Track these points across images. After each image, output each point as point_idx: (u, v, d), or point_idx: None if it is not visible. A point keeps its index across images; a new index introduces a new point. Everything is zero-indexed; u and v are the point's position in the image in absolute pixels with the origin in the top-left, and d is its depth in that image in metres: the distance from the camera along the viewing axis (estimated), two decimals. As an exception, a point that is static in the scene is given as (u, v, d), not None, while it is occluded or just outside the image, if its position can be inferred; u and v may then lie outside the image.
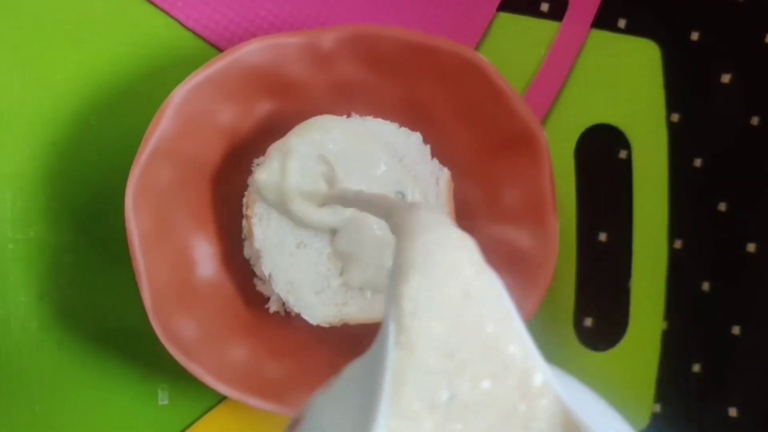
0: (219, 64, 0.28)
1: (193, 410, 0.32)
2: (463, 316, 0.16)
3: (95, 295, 0.31)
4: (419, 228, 0.17)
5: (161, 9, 0.31)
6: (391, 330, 0.16)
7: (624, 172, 0.37)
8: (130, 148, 0.28)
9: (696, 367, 0.37)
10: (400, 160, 0.30)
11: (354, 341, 0.30)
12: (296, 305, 0.29)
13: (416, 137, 0.31)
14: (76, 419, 0.30)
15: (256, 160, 0.30)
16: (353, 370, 0.17)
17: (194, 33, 0.32)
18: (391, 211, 0.19)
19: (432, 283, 0.16)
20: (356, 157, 0.28)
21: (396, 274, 0.16)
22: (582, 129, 0.36)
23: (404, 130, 0.30)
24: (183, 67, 0.31)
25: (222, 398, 0.32)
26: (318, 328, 0.30)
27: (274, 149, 0.28)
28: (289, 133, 0.28)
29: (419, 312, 0.16)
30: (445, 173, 0.30)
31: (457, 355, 0.16)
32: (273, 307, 0.30)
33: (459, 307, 0.16)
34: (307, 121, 0.29)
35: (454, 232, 0.17)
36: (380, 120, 0.30)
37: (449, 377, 0.15)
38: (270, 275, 0.29)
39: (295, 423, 0.17)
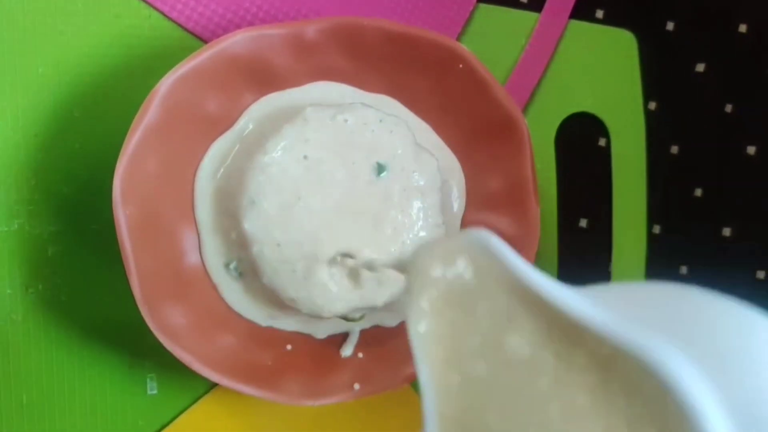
0: (204, 55, 0.28)
1: (183, 399, 0.32)
2: None
3: (81, 286, 0.31)
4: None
5: (144, 1, 0.31)
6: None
7: (603, 159, 0.38)
8: (113, 139, 0.28)
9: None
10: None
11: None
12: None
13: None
14: (63, 410, 0.30)
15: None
16: None
17: (178, 24, 0.32)
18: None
19: None
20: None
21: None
22: (562, 117, 0.37)
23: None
24: (166, 58, 0.32)
25: (211, 387, 0.32)
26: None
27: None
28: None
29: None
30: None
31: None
32: (261, 294, 0.31)
33: None
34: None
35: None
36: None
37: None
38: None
39: None
